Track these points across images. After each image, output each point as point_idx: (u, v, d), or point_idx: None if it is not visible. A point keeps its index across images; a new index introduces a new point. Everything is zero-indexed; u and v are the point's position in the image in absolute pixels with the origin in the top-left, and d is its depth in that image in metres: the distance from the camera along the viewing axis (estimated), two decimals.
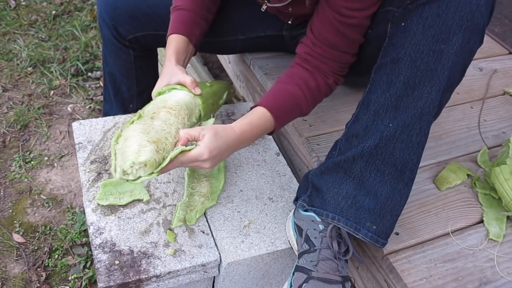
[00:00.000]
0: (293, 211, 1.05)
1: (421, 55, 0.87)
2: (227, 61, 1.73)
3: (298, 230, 0.99)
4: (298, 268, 0.92)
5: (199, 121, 1.08)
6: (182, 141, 0.90)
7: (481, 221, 1.07)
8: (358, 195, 0.92)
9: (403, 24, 0.90)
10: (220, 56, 1.85)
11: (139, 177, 0.87)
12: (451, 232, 1.04)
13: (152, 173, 0.87)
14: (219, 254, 1.02)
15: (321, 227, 0.94)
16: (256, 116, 1.01)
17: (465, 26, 0.85)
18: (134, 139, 0.88)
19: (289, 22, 1.26)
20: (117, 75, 1.44)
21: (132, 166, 0.86)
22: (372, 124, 0.92)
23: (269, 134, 1.07)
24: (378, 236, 0.91)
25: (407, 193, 0.94)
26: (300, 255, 0.94)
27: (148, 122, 0.93)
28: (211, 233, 1.06)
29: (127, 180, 0.88)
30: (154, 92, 1.05)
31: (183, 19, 1.16)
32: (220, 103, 1.21)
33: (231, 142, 0.94)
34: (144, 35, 1.31)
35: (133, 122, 0.94)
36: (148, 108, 0.98)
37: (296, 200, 1.04)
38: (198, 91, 1.05)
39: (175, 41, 1.13)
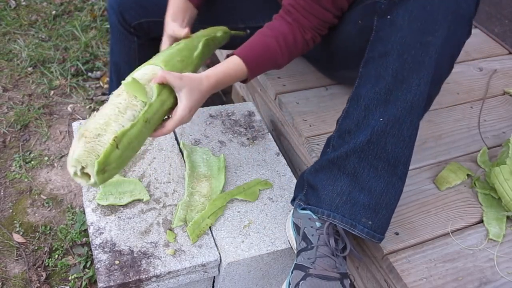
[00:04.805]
0: (292, 210, 1.06)
1: (408, 48, 0.87)
2: None
3: (297, 228, 0.99)
4: (297, 266, 0.93)
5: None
6: (158, 79, 0.92)
7: (481, 221, 1.07)
8: (353, 191, 0.92)
9: (389, 17, 0.90)
10: (220, 56, 1.85)
11: (100, 176, 0.81)
12: (451, 232, 1.04)
13: (99, 164, 0.80)
14: (219, 254, 1.02)
15: (317, 224, 0.94)
16: (231, 65, 1.03)
17: (450, 17, 0.86)
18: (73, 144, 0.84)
19: None
20: (121, 64, 1.47)
21: (75, 172, 0.81)
22: (363, 119, 0.92)
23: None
24: (374, 231, 0.91)
25: (401, 187, 0.94)
26: (298, 253, 0.95)
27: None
28: (211, 233, 1.06)
29: (98, 186, 0.87)
30: None
31: None
32: (195, 55, 1.08)
33: (205, 92, 0.98)
34: (148, 21, 1.33)
35: None
36: None
37: (293, 200, 1.04)
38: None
39: (172, 3, 1.16)
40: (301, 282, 0.88)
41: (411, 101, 0.88)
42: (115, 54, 1.46)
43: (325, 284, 0.88)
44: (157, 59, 1.00)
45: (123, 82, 0.92)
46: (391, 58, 0.89)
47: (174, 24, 1.12)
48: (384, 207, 0.92)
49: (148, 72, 0.95)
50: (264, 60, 1.06)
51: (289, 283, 0.91)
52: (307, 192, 1.00)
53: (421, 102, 0.90)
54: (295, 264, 0.94)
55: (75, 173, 0.82)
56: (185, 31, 1.09)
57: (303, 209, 0.99)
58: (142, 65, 1.00)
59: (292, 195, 1.16)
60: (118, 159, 0.84)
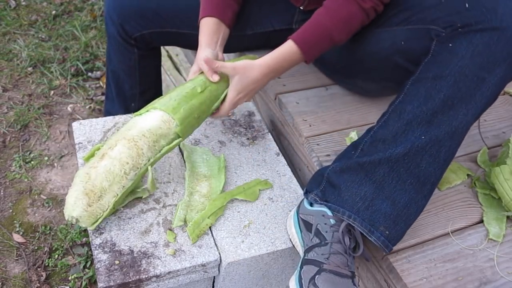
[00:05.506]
0: (295, 209, 1.06)
1: (465, 79, 0.90)
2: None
3: (306, 225, 0.99)
4: (308, 261, 0.92)
5: (172, 142, 1.05)
6: (213, 71, 1.06)
7: (481, 221, 1.07)
8: (376, 199, 0.93)
9: (450, 45, 0.93)
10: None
11: (90, 227, 0.97)
12: (451, 232, 1.04)
13: (93, 225, 0.97)
14: (219, 254, 1.02)
15: (332, 221, 0.94)
16: (283, 49, 1.07)
17: (509, 60, 0.89)
18: (74, 188, 0.95)
19: (301, 8, 1.26)
20: (120, 73, 1.44)
21: (70, 219, 0.95)
22: (402, 133, 0.94)
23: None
24: (389, 241, 0.93)
25: (423, 205, 0.95)
26: (310, 249, 0.95)
27: (95, 164, 0.97)
28: (211, 233, 1.06)
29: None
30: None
31: (213, 1, 1.17)
32: (213, 107, 1.11)
33: (259, 77, 1.06)
34: (150, 32, 1.32)
35: (93, 154, 1.02)
36: (111, 138, 1.01)
37: (306, 193, 1.05)
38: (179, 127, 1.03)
39: (205, 24, 1.16)
40: (316, 276, 0.88)
41: (456, 128, 0.91)
42: (113, 63, 1.43)
43: (339, 280, 0.88)
44: (173, 110, 1.03)
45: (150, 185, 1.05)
46: (446, 83, 0.91)
47: (207, 50, 1.12)
48: (403, 221, 0.93)
49: (164, 126, 1.02)
50: (316, 37, 1.06)
51: (300, 277, 0.91)
52: (324, 189, 1.00)
53: (464, 131, 0.93)
54: (305, 259, 0.94)
55: (69, 218, 0.95)
56: (214, 75, 1.09)
57: (311, 204, 1.00)
58: (155, 106, 1.03)
59: (292, 195, 1.16)
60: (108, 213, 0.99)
